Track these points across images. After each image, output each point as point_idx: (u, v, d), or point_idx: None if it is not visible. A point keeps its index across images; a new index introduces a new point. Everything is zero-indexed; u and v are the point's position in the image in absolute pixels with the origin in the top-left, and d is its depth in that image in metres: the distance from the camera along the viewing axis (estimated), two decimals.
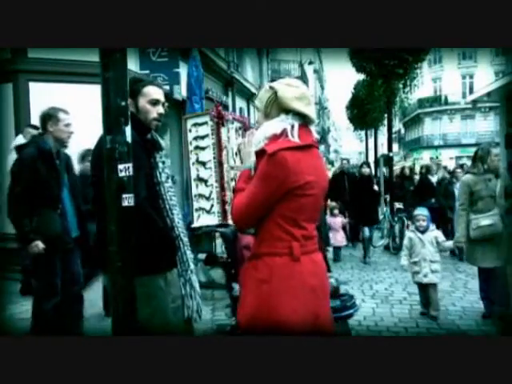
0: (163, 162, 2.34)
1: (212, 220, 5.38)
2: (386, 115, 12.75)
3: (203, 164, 5.44)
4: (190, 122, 5.60)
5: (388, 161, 10.11)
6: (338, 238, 7.91)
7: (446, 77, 36.74)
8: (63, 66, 6.48)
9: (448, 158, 29.78)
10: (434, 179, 9.02)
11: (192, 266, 2.40)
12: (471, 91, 30.16)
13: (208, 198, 5.42)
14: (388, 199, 9.65)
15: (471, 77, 35.79)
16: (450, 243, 4.88)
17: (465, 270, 6.65)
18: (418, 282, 4.72)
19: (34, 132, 4.89)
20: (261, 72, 18.40)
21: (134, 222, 1.69)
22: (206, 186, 5.43)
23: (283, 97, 1.89)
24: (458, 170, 8.65)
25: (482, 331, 4.21)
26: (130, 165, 1.65)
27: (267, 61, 19.35)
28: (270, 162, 1.78)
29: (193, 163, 5.56)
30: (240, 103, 15.01)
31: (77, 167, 4.11)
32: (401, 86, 10.92)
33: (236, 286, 3.39)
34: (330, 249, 7.74)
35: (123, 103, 1.65)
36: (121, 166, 1.64)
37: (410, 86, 11.03)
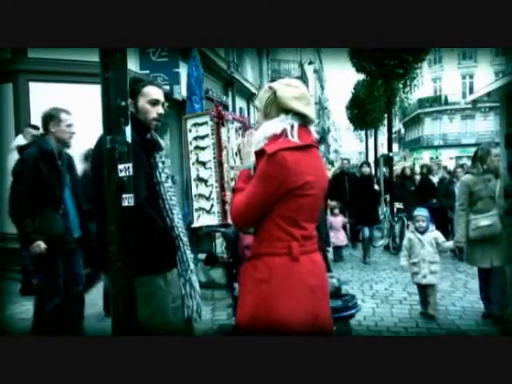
0: (163, 162, 2.34)
1: (212, 220, 5.38)
2: (386, 115, 12.73)
3: (203, 164, 5.44)
4: (189, 122, 5.59)
5: (388, 161, 10.11)
6: (340, 237, 7.92)
7: (446, 77, 36.75)
8: (63, 66, 6.48)
9: (448, 158, 29.77)
10: (435, 179, 9.02)
11: (192, 266, 2.40)
12: (471, 91, 30.17)
13: (208, 198, 5.42)
14: (388, 199, 9.66)
15: (471, 77, 35.80)
16: (450, 243, 4.88)
17: (465, 270, 6.65)
18: (417, 282, 4.72)
19: (34, 132, 4.90)
20: (261, 72, 18.40)
21: (134, 221, 1.69)
22: (206, 186, 5.43)
23: (282, 97, 1.89)
24: (459, 170, 8.64)
25: (481, 331, 4.20)
26: (130, 165, 1.66)
27: (267, 61, 19.34)
28: (270, 162, 1.78)
29: (193, 163, 5.56)
30: (240, 103, 15.01)
31: (80, 167, 4.11)
32: (401, 86, 10.92)
33: (237, 286, 3.39)
34: (330, 249, 7.73)
35: (123, 103, 1.65)
36: (121, 166, 1.64)
37: (410, 86, 11.03)
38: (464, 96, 33.22)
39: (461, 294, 5.51)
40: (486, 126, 34.93)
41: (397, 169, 11.70)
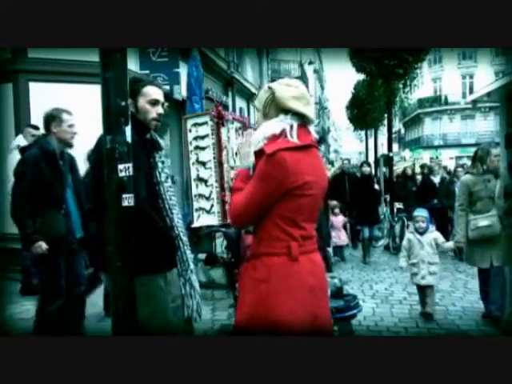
0: (163, 162, 2.35)
1: (212, 220, 5.38)
2: (386, 115, 12.74)
3: (203, 164, 5.45)
4: (190, 122, 5.60)
5: (388, 161, 10.11)
6: (342, 237, 7.92)
7: (446, 77, 36.73)
8: (63, 66, 6.48)
9: (448, 158, 29.74)
10: (436, 180, 9.01)
11: (192, 266, 2.40)
12: (471, 91, 30.15)
13: (208, 198, 5.42)
14: (388, 199, 9.65)
15: (471, 77, 35.78)
16: (450, 244, 4.88)
17: (465, 270, 6.65)
18: (416, 283, 4.72)
19: (35, 132, 4.91)
20: (261, 72, 18.39)
21: (134, 221, 1.69)
22: (206, 186, 5.43)
23: (281, 97, 1.89)
24: (460, 169, 8.64)
25: (481, 331, 4.20)
26: (130, 165, 1.66)
27: (267, 61, 19.34)
28: (269, 162, 1.78)
29: (193, 163, 5.56)
30: (240, 103, 15.01)
31: (84, 167, 4.10)
32: (401, 86, 10.92)
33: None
34: (329, 249, 7.72)
35: (123, 103, 1.65)
36: (121, 166, 1.64)
37: (410, 86, 11.03)
38: (464, 96, 33.20)
39: (461, 294, 5.51)
40: (486, 125, 34.91)
41: (397, 169, 11.70)
